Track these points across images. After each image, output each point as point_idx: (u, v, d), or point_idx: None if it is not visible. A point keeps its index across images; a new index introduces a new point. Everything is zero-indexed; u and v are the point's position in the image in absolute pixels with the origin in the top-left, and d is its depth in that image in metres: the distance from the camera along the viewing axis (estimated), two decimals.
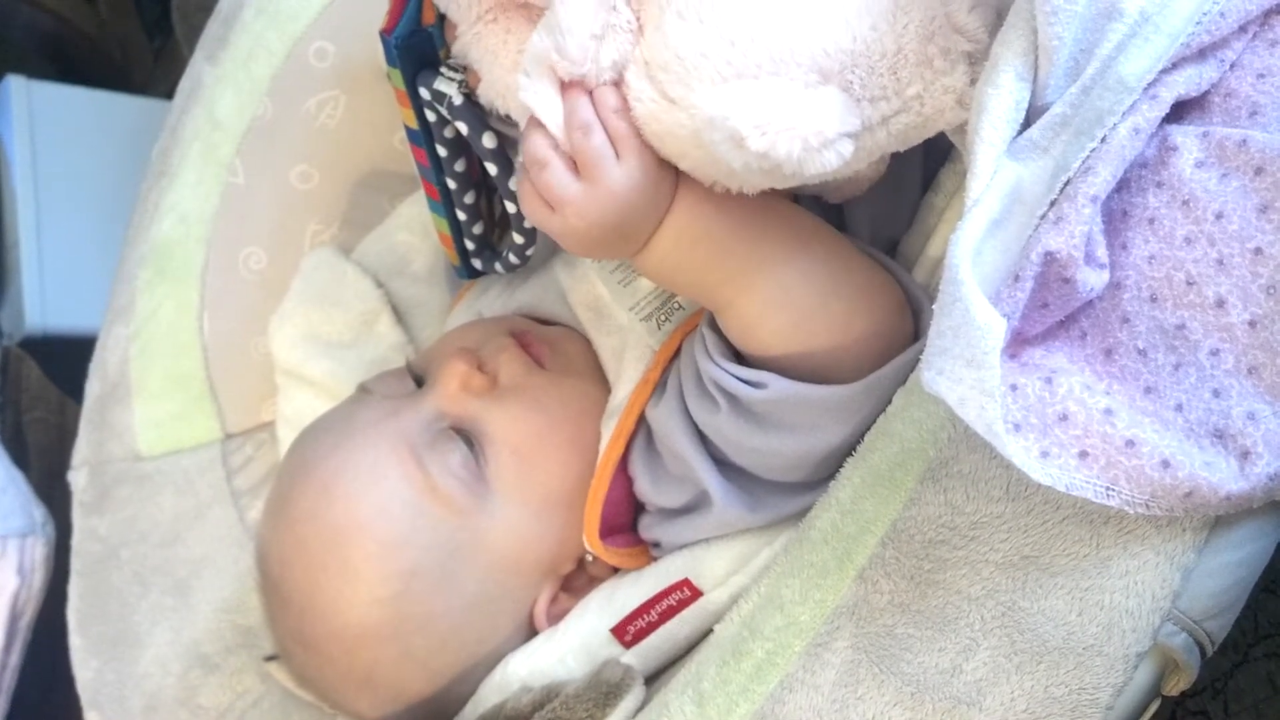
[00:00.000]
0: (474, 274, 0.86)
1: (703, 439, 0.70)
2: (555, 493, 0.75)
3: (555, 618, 0.77)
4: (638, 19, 0.62)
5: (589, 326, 0.81)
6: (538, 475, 0.75)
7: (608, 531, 0.75)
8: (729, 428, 0.68)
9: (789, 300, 0.66)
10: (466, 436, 0.74)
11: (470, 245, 0.84)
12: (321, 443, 0.77)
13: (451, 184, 0.80)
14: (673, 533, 0.74)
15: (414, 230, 0.99)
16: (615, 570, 0.78)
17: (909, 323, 0.69)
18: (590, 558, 0.77)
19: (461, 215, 0.82)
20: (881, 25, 0.58)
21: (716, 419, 0.68)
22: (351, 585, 0.72)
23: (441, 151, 0.78)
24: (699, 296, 0.69)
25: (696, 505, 0.72)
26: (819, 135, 0.56)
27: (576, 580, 0.78)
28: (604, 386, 0.79)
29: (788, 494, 0.70)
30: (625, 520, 0.77)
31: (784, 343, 0.66)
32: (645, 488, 0.74)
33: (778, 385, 0.66)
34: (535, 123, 0.63)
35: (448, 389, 0.76)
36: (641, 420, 0.74)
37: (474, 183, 0.81)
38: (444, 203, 0.82)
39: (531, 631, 0.77)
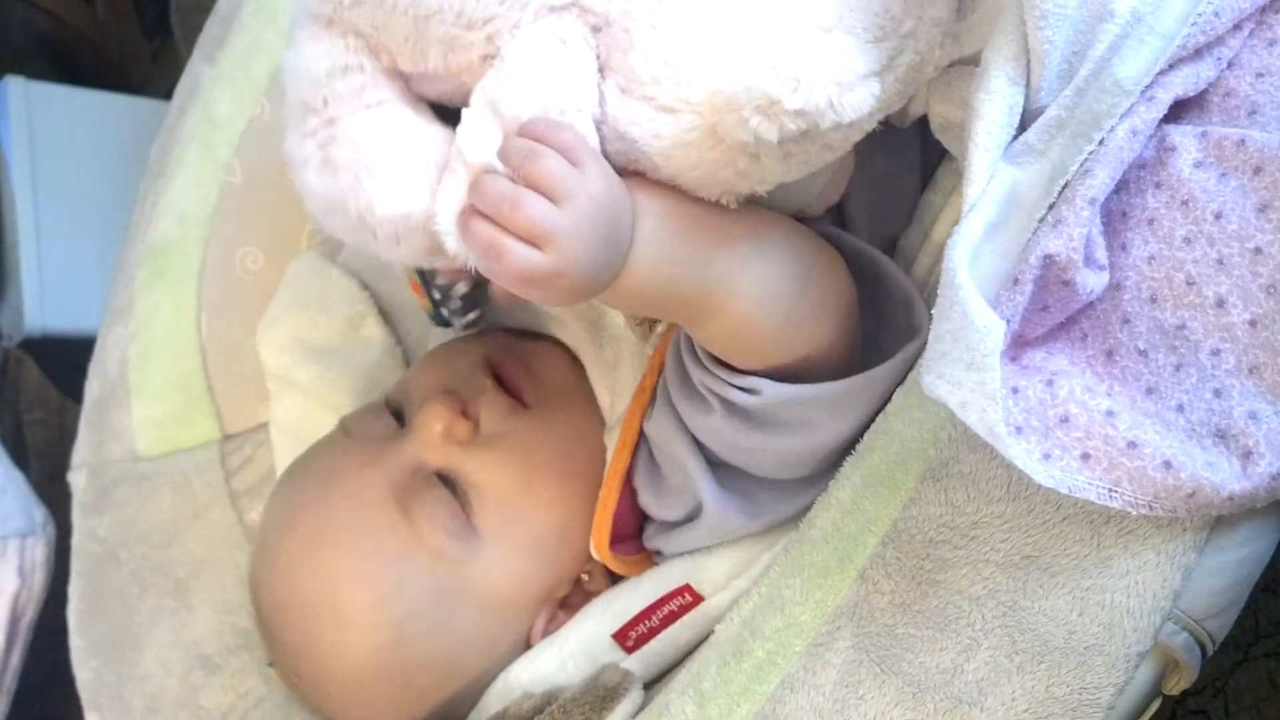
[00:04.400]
0: (445, 322, 0.84)
1: (699, 445, 0.70)
2: (546, 532, 0.75)
3: (551, 633, 0.77)
4: (597, 58, 0.60)
5: (584, 340, 0.80)
6: (527, 519, 0.74)
7: (614, 540, 0.75)
8: (723, 428, 0.67)
9: (773, 296, 0.64)
10: (451, 483, 0.74)
11: (436, 295, 0.81)
12: (307, 490, 0.77)
13: None
14: (673, 543, 0.74)
15: None
16: (613, 581, 0.78)
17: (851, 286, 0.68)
18: (586, 577, 0.77)
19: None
20: None
21: (710, 420, 0.68)
22: (345, 633, 0.73)
23: None
24: (683, 314, 0.67)
25: (695, 515, 0.72)
26: (851, 71, 0.55)
27: (573, 599, 0.78)
28: (588, 406, 0.78)
29: (786, 495, 0.70)
30: (631, 529, 0.77)
31: (771, 344, 0.65)
32: (649, 501, 0.74)
33: (770, 389, 0.65)
34: (484, 173, 0.59)
35: (429, 437, 0.74)
36: (643, 431, 0.74)
37: None
38: None
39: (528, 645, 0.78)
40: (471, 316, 0.81)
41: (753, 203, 0.64)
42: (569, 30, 0.60)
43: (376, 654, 0.73)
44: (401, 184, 0.61)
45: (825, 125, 0.55)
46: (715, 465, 0.70)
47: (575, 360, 0.81)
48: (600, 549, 0.75)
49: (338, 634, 0.73)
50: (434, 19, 0.60)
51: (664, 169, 0.61)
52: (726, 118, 0.56)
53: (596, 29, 0.60)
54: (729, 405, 0.66)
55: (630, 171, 0.62)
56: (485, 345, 0.81)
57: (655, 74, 0.58)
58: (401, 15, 0.60)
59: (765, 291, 0.64)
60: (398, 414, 0.79)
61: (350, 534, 0.73)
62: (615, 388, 0.77)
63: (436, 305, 0.82)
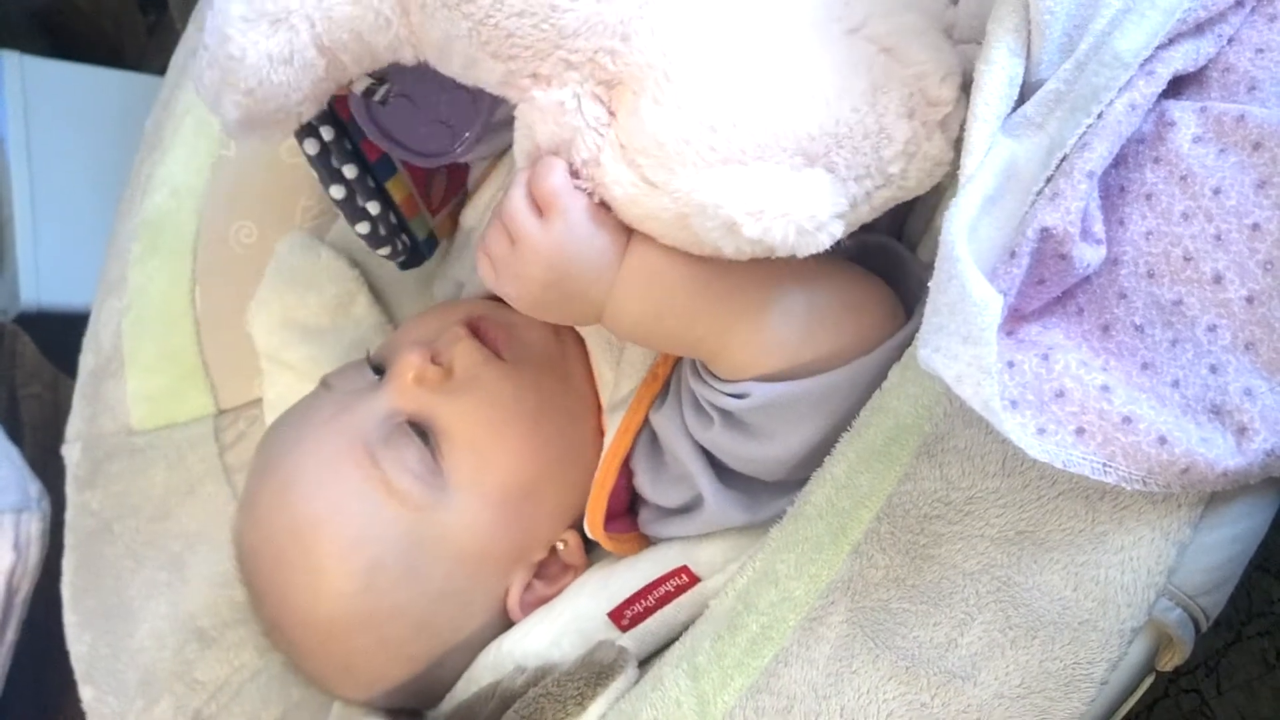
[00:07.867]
0: (408, 260, 0.85)
1: (704, 448, 0.70)
2: (515, 485, 0.75)
3: (530, 605, 0.77)
4: (608, 110, 0.61)
5: None
6: (495, 468, 0.74)
7: (607, 518, 0.75)
8: (724, 441, 0.68)
9: (773, 344, 0.65)
10: (422, 431, 0.74)
11: (381, 230, 0.82)
12: (282, 439, 0.78)
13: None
14: (669, 530, 0.74)
15: None
16: (588, 556, 0.78)
17: (899, 319, 0.68)
18: (561, 545, 0.77)
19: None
20: (862, 106, 0.59)
21: (711, 433, 0.68)
22: (316, 579, 0.73)
23: None
24: (677, 352, 0.69)
25: (693, 506, 0.72)
26: (813, 219, 0.57)
27: (550, 567, 0.78)
28: (563, 377, 0.78)
29: (788, 491, 0.69)
30: (623, 506, 0.77)
31: (771, 374, 0.66)
32: (645, 485, 0.74)
33: (760, 390, 0.65)
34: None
35: (402, 383, 0.75)
36: (649, 419, 0.74)
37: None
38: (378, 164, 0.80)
39: (509, 618, 0.78)
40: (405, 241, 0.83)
41: None
42: (582, 87, 0.62)
43: (348, 601, 0.73)
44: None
45: (780, 254, 0.58)
46: (719, 468, 0.70)
47: (570, 339, 0.80)
48: (594, 528, 0.75)
49: (309, 580, 0.73)
50: (458, 40, 0.62)
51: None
52: (695, 219, 0.59)
53: (609, 85, 0.61)
54: (726, 416, 0.67)
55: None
56: (470, 307, 0.82)
57: (647, 147, 0.60)
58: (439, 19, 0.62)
59: (763, 340, 0.65)
60: (379, 370, 0.79)
61: (320, 481, 0.74)
62: (621, 367, 0.76)
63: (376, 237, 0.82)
